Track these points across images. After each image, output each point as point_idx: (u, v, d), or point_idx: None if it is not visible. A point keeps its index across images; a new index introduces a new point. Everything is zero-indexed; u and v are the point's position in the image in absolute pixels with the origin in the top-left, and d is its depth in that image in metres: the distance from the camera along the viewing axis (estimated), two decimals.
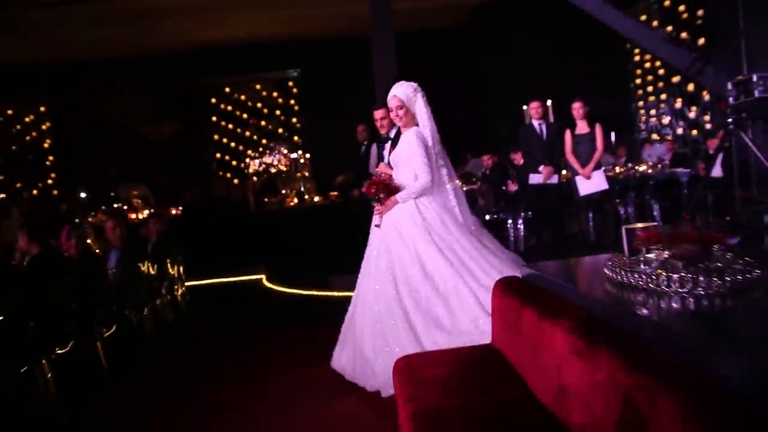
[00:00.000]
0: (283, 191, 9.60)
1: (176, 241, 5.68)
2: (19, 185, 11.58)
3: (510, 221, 6.21)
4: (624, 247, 2.21)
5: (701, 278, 1.79)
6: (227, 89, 11.82)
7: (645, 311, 1.76)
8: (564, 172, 5.95)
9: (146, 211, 9.16)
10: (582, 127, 5.37)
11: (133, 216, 8.37)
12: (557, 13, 8.69)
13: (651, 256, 2.02)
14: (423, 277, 3.18)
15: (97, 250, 4.83)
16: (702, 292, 1.78)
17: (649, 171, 7.38)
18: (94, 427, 3.24)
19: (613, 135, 8.79)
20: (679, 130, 9.28)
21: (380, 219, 3.40)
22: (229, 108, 11.82)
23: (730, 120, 4.34)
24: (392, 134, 3.99)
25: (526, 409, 1.89)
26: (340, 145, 10.15)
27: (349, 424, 2.87)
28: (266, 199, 9.02)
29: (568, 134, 5.44)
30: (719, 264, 1.86)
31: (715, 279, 1.78)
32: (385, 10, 7.70)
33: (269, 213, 8.64)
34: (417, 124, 3.42)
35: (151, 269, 4.93)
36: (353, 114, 10.09)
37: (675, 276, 1.83)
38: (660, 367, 1.34)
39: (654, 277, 1.89)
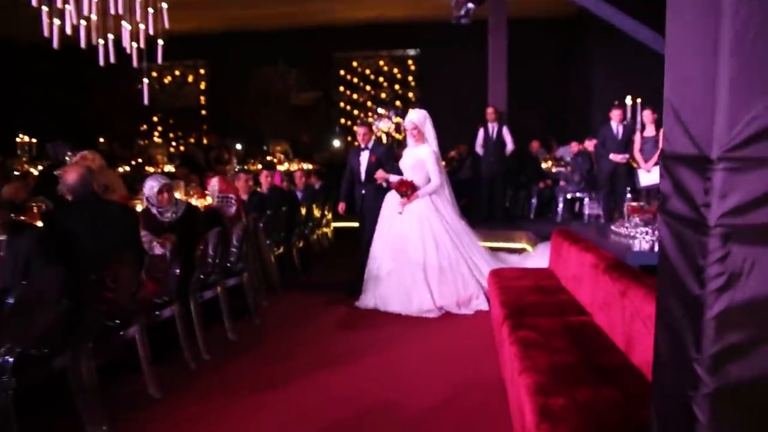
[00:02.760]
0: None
1: (331, 190, 8.05)
2: (179, 133, 14.64)
3: (587, 199, 8.05)
4: (625, 215, 4.18)
5: (650, 230, 3.75)
6: (355, 63, 14.09)
7: (619, 241, 3.77)
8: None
9: (286, 164, 11.72)
10: (650, 131, 7.07)
11: (281, 168, 10.90)
12: (659, 15, 10.06)
13: (634, 220, 3.98)
14: (435, 248, 4.99)
15: None
16: (650, 238, 3.75)
17: None
18: (292, 296, 5.67)
19: None
20: None
21: (402, 208, 5.08)
22: (355, 80, 14.11)
23: None
24: (370, 146, 5.60)
25: (555, 289, 3.95)
26: (452, 120, 12.16)
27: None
28: None
29: (638, 135, 7.17)
30: None
31: (656, 231, 3.73)
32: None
33: None
34: (426, 141, 5.22)
35: (316, 208, 7.30)
36: (466, 92, 12.03)
37: (639, 229, 3.80)
38: (606, 257, 3.35)
39: (630, 229, 3.87)
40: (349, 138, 14.00)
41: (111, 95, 13.57)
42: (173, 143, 14.44)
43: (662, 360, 1.45)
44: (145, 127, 14.53)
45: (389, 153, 5.78)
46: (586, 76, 12.66)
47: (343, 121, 14.08)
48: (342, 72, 14.12)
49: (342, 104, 14.11)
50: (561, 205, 8.44)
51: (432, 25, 13.45)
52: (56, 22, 5.08)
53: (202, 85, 14.59)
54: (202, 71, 14.56)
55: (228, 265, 4.42)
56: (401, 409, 3.22)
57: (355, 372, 3.80)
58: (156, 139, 14.54)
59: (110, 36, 5.51)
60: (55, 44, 5.20)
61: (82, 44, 5.25)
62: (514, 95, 9.34)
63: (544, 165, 9.54)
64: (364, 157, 5.59)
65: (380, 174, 5.25)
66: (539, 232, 6.86)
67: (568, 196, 8.44)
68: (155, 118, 14.53)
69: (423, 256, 4.98)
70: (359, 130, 5.71)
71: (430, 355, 4.07)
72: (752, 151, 1.19)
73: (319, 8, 12.65)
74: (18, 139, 11.27)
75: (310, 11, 12.76)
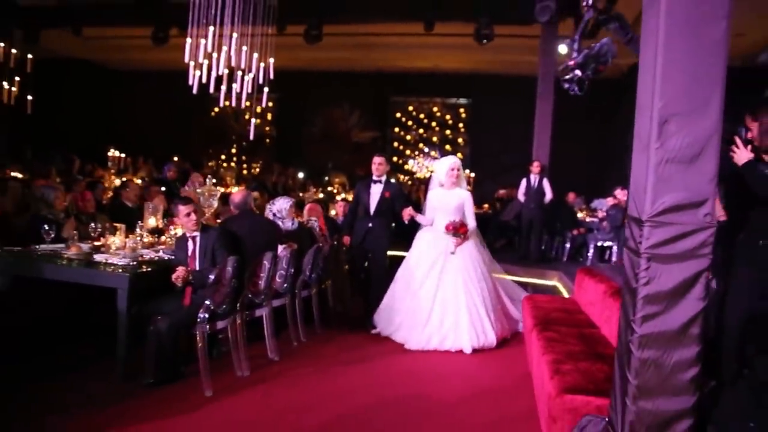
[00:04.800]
0: None
1: None
2: (244, 157, 16.38)
3: (615, 247, 9.28)
4: None
5: None
6: (410, 107, 15.71)
7: None
8: None
9: (342, 194, 13.22)
10: None
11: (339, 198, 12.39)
12: None
13: None
14: (485, 284, 5.58)
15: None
16: None
17: None
18: None
19: None
20: None
21: (455, 248, 5.52)
22: (409, 122, 15.70)
23: None
24: (383, 179, 5.85)
25: (575, 311, 5.24)
26: (496, 165, 13.54)
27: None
28: None
29: None
30: None
31: None
32: (551, 60, 10.69)
33: None
34: (461, 185, 5.80)
35: None
36: (512, 140, 13.35)
37: None
38: (614, 286, 4.64)
39: None
40: (400, 176, 15.53)
41: (191, 120, 15.42)
42: (235, 166, 16.22)
43: (621, 323, 2.79)
44: (215, 151, 16.33)
45: (402, 191, 6.28)
46: (625, 134, 13.89)
47: (395, 159, 15.64)
48: (398, 114, 15.74)
49: (395, 143, 15.69)
50: (591, 251, 9.66)
51: (484, 77, 15.00)
52: (197, 73, 6.72)
53: (269, 116, 16.37)
54: (270, 104, 16.35)
55: (320, 273, 5.83)
56: (444, 384, 4.57)
57: (411, 362, 5.15)
58: (222, 162, 16.36)
59: (235, 85, 7.18)
60: (195, 90, 6.85)
61: (211, 90, 6.86)
62: (556, 148, 10.51)
63: (579, 214, 10.78)
64: (376, 191, 5.84)
65: (409, 211, 5.61)
66: (569, 272, 8.10)
67: (599, 243, 9.66)
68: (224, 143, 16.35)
69: (481, 292, 5.50)
70: (376, 159, 5.85)
71: (468, 356, 5.39)
72: (661, 218, 2.54)
73: (381, 56, 14.37)
74: (110, 153, 13.05)
75: (373, 58, 14.47)
